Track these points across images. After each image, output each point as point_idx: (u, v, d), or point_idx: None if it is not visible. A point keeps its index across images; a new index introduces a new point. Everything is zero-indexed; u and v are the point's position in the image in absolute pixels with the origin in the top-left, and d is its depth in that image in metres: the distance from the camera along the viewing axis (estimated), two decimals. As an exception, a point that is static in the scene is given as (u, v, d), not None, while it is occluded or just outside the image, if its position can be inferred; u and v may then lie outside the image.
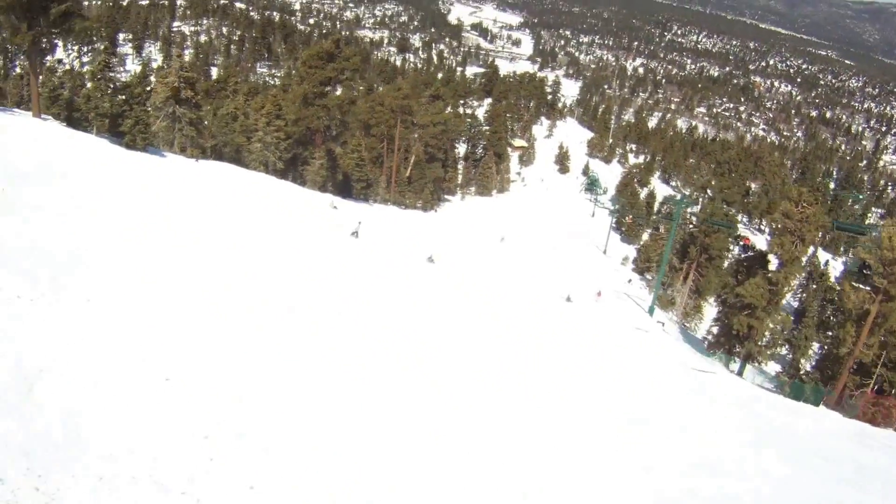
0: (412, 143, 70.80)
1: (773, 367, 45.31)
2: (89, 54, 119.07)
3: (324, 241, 22.20)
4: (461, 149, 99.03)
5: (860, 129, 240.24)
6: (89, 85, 37.67)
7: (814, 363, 43.44)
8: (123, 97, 32.55)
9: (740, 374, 33.18)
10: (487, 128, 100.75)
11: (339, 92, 57.09)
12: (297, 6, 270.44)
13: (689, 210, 62.86)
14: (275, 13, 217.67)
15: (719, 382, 20.94)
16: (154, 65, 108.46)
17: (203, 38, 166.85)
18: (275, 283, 12.80)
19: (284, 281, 13.39)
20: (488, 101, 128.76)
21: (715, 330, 40.77)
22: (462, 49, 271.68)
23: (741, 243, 46.32)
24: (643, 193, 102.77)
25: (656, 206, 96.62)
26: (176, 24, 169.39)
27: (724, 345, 36.74)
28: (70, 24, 29.34)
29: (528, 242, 57.58)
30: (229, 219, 18.67)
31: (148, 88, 39.90)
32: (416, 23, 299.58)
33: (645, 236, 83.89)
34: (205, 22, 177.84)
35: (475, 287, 25.01)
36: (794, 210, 31.67)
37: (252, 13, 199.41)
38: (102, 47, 51.99)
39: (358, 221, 30.45)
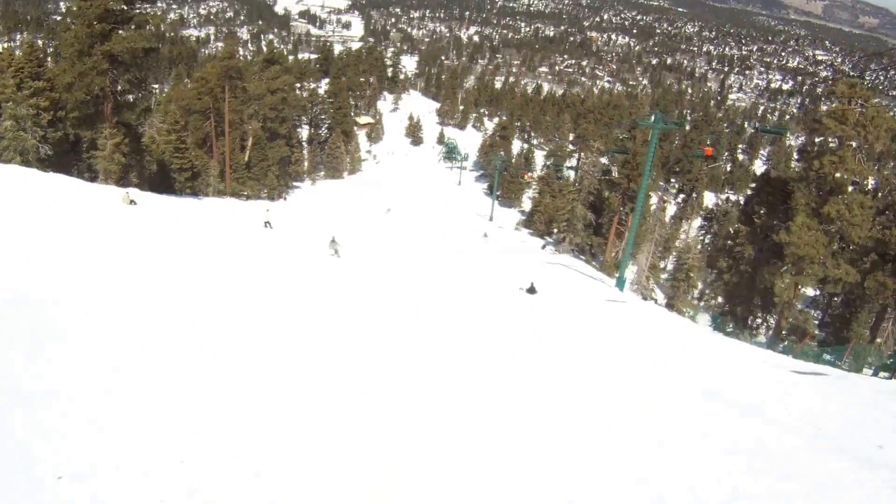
0: (246, 121, 58.15)
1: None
2: None
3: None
4: (304, 131, 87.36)
5: (703, 71, 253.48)
6: None
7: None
8: None
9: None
10: (331, 101, 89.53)
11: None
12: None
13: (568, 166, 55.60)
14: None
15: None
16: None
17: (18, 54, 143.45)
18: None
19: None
20: (326, 80, 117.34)
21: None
22: (292, 37, 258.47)
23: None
24: (514, 150, 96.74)
25: (541, 162, 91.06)
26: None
27: (738, 314, 27.14)
28: None
29: (412, 217, 50.19)
30: None
31: None
32: (242, 17, 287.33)
33: (525, 198, 77.16)
34: (18, 37, 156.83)
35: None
36: (850, 110, 22.18)
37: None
38: None
39: (266, 209, 30.92)
